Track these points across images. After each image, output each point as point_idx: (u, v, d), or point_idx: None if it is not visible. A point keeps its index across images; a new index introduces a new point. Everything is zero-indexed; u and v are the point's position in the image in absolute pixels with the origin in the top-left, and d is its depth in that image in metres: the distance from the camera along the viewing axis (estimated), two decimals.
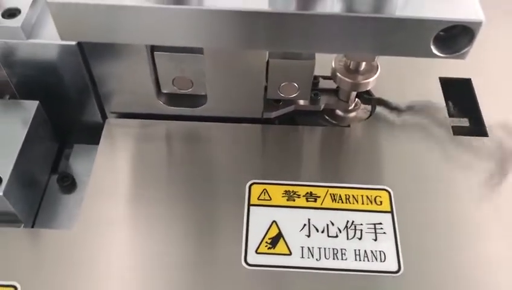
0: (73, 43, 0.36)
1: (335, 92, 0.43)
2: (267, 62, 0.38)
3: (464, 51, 0.31)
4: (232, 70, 0.38)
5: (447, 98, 0.45)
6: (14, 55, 0.37)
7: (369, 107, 0.44)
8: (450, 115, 0.44)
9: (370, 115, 0.43)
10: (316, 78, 0.43)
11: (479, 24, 0.29)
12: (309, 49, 0.35)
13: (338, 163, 0.40)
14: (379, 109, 0.43)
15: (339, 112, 0.43)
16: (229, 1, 0.30)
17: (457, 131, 0.42)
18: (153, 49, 0.37)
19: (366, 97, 0.44)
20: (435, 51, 0.31)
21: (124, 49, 0.37)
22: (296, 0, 0.31)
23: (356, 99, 0.43)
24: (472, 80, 0.46)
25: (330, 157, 0.40)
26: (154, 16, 0.31)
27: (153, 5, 0.30)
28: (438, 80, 0.45)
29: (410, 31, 0.30)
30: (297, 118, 0.43)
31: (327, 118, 0.43)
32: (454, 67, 0.46)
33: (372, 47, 0.31)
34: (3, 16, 0.35)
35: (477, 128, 0.43)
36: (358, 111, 0.43)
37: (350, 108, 0.43)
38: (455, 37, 0.31)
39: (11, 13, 0.36)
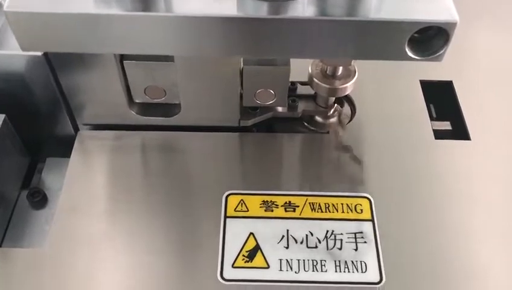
0: (40, 53, 0.35)
1: (313, 97, 0.42)
2: (241, 69, 0.37)
3: (440, 53, 0.30)
4: (205, 78, 0.37)
5: (428, 101, 0.44)
6: None
7: (348, 112, 0.43)
8: (432, 119, 0.43)
9: (350, 121, 0.42)
10: (293, 84, 0.42)
11: (453, 25, 0.28)
12: (282, 55, 0.34)
13: (317, 171, 0.39)
14: (359, 114, 0.42)
15: (317, 118, 0.42)
16: (199, 7, 0.29)
17: (439, 135, 0.41)
18: (122, 58, 0.36)
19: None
20: (410, 53, 0.30)
21: (92, 58, 0.36)
22: (267, 5, 0.30)
23: (335, 104, 0.42)
24: (453, 82, 0.45)
25: (309, 165, 0.39)
26: (121, 23, 0.29)
27: (119, 13, 0.29)
28: (419, 83, 0.45)
29: (384, 33, 0.29)
30: (276, 125, 0.42)
31: (306, 124, 0.42)
32: (435, 70, 0.45)
33: (347, 51, 0.30)
34: None
35: (460, 131, 0.42)
36: (338, 117, 0.42)
37: (329, 114, 0.42)
38: (430, 39, 0.30)
39: None
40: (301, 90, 0.42)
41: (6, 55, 0.35)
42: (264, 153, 0.40)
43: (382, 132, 0.41)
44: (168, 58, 0.36)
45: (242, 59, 0.36)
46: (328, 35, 0.30)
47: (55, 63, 0.36)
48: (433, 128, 0.42)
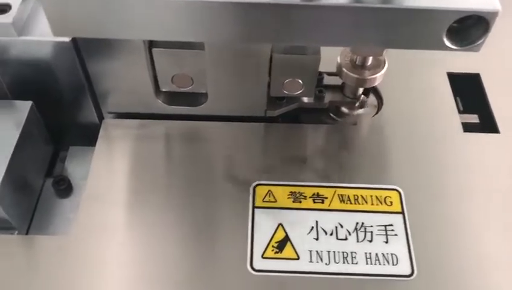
0: (68, 39, 0.35)
1: (340, 88, 0.41)
2: (271, 58, 0.36)
3: (479, 42, 0.29)
4: (234, 67, 0.36)
5: (455, 93, 0.43)
6: (5, 53, 0.35)
7: (375, 103, 0.42)
8: (459, 112, 0.42)
9: (377, 112, 0.42)
10: (320, 74, 0.41)
11: (494, 14, 0.28)
12: (315, 43, 0.33)
13: (345, 162, 0.38)
14: (385, 106, 0.42)
15: (344, 109, 0.42)
16: None
17: (468, 128, 0.41)
18: (151, 45, 0.36)
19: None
20: (447, 43, 0.29)
21: (121, 45, 0.35)
22: None
23: (362, 95, 0.42)
24: (481, 74, 0.44)
25: (337, 156, 0.39)
26: (152, 8, 0.29)
27: None
28: (446, 75, 0.44)
29: (422, 22, 0.28)
30: (301, 116, 0.42)
31: (332, 115, 0.42)
32: (462, 62, 0.45)
33: (381, 39, 0.29)
34: None
35: (487, 124, 0.42)
36: (365, 108, 0.42)
37: (356, 105, 0.41)
38: (469, 28, 0.29)
39: (2, 9, 0.34)
40: (328, 80, 0.41)
41: (34, 42, 0.35)
42: (290, 143, 0.39)
43: (410, 124, 0.41)
44: (197, 46, 0.35)
45: (271, 47, 0.36)
46: (363, 23, 0.29)
47: (83, 50, 0.35)
48: (461, 121, 0.41)
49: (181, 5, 0.29)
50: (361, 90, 0.41)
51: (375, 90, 0.42)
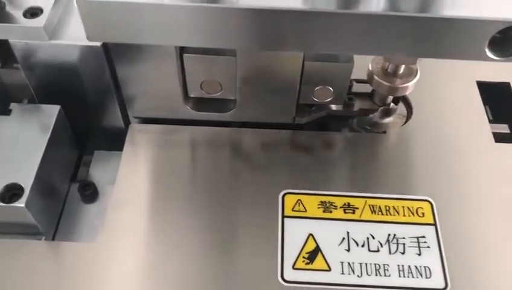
0: (98, 44, 0.34)
1: (370, 96, 0.41)
2: (302, 65, 0.36)
3: None
4: (265, 74, 0.36)
5: (484, 102, 0.43)
6: (34, 56, 0.35)
7: (404, 112, 0.42)
8: (489, 121, 0.42)
9: (406, 121, 0.41)
10: (350, 81, 0.41)
11: None
12: (349, 51, 0.33)
13: (375, 172, 0.38)
14: (415, 114, 0.41)
15: (373, 117, 0.41)
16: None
17: (498, 138, 0.40)
18: (182, 50, 0.35)
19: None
20: (489, 54, 0.29)
21: (152, 50, 0.35)
22: None
23: (392, 104, 0.41)
24: (511, 83, 0.44)
25: (366, 165, 0.38)
26: (186, 15, 0.29)
27: (185, 4, 0.28)
28: (475, 84, 0.43)
29: (463, 32, 0.28)
30: (329, 124, 0.41)
31: (360, 123, 0.41)
32: (492, 71, 0.44)
33: (419, 49, 0.29)
34: (24, 16, 0.33)
35: None
36: (394, 116, 0.41)
37: (385, 113, 0.41)
38: (508, 39, 0.29)
39: (33, 12, 0.34)
40: (357, 88, 0.41)
41: (65, 46, 0.34)
42: (318, 152, 0.39)
43: (439, 133, 0.40)
44: (228, 52, 0.35)
45: (304, 54, 0.35)
46: (401, 32, 0.29)
47: (114, 54, 0.35)
48: (492, 130, 0.40)
49: (215, 12, 0.29)
50: (391, 98, 0.40)
51: (404, 99, 0.42)
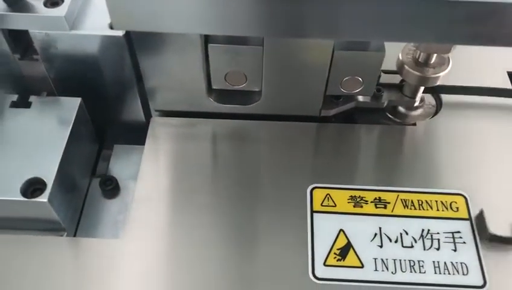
0: (121, 34, 0.33)
1: (399, 87, 0.39)
2: (332, 54, 0.34)
3: None
4: (292, 64, 0.35)
5: None
6: (55, 47, 0.34)
7: (434, 103, 0.40)
8: None
9: (436, 113, 0.40)
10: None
11: None
12: (387, 38, 0.31)
13: (404, 165, 0.36)
14: (445, 105, 0.40)
15: (401, 109, 0.40)
16: None
17: None
18: (207, 40, 0.34)
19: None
20: None
21: (176, 40, 0.34)
22: None
23: (422, 95, 0.39)
24: None
25: (396, 158, 0.37)
26: (211, 1, 0.28)
27: None
28: (506, 74, 0.42)
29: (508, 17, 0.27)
30: (356, 116, 0.40)
31: (389, 115, 0.40)
32: None
33: (465, 35, 0.27)
34: (45, 5, 0.32)
35: None
36: (423, 108, 0.40)
37: (415, 105, 0.40)
38: None
39: (54, 2, 0.33)
40: (385, 78, 0.39)
41: (86, 36, 0.33)
42: (345, 145, 0.38)
43: (470, 125, 0.38)
44: (254, 42, 0.34)
45: (334, 43, 0.34)
46: (447, 17, 0.27)
47: (136, 44, 0.34)
48: None
49: None
50: (421, 89, 0.39)
51: (434, 89, 0.40)
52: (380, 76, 0.39)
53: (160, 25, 0.28)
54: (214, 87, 0.37)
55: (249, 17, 0.28)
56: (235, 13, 0.28)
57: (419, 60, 0.36)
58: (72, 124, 0.34)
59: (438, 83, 0.37)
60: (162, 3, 0.27)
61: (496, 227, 0.33)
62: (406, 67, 0.36)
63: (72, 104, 0.35)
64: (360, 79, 0.36)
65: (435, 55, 0.36)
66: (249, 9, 0.27)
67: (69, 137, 0.33)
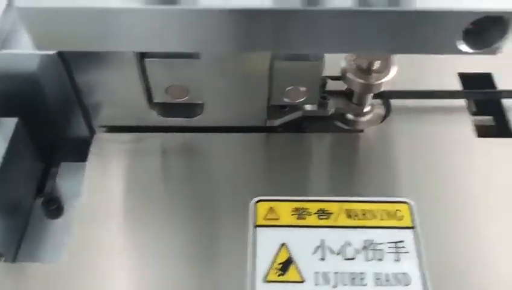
0: (54, 52, 0.33)
1: (345, 94, 0.39)
2: (271, 64, 0.34)
3: (497, 45, 0.27)
4: (232, 75, 0.34)
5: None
6: None
7: (383, 108, 0.40)
8: (472, 114, 0.40)
9: (385, 118, 0.39)
10: (323, 79, 0.39)
11: None
12: (317, 50, 0.31)
13: (351, 174, 0.36)
14: (394, 110, 0.39)
15: (350, 116, 0.39)
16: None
17: (482, 132, 0.38)
18: (143, 55, 0.33)
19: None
20: (463, 47, 0.27)
21: (111, 56, 0.33)
22: None
23: (369, 100, 0.39)
24: (493, 74, 0.42)
25: (343, 167, 0.36)
26: (143, 18, 0.27)
27: (140, 7, 0.26)
28: (457, 76, 0.41)
29: (433, 26, 0.26)
30: (304, 125, 0.39)
31: (337, 123, 0.39)
32: (473, 62, 0.42)
33: (390, 45, 0.27)
34: None
35: (503, 128, 0.39)
36: (372, 114, 0.39)
37: (363, 111, 0.39)
38: (486, 30, 0.27)
39: None
40: (332, 86, 0.39)
41: (18, 55, 0.33)
42: (292, 155, 0.37)
43: (419, 129, 0.38)
44: (192, 55, 0.33)
45: (271, 54, 0.33)
46: (370, 28, 0.27)
47: (71, 62, 0.33)
48: (475, 123, 0.39)
49: (171, 14, 0.27)
50: (369, 96, 0.38)
51: (382, 94, 0.40)
52: (325, 83, 0.39)
53: (85, 44, 0.28)
54: (156, 101, 0.36)
55: (178, 34, 0.28)
56: (164, 30, 0.27)
57: (362, 66, 0.36)
58: (7, 144, 0.33)
59: (382, 89, 0.36)
60: (82, 23, 0.27)
61: (444, 232, 0.33)
62: (349, 74, 0.36)
63: (8, 124, 0.34)
64: (302, 89, 0.35)
65: (378, 61, 0.35)
66: (177, 25, 0.27)
67: (4, 158, 0.33)
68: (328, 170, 0.36)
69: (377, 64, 0.35)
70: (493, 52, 0.27)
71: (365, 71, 0.35)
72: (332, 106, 0.38)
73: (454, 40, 0.26)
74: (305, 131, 0.39)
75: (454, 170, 0.36)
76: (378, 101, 0.40)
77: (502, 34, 0.26)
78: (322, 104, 0.38)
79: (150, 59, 0.33)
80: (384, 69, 0.36)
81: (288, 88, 0.35)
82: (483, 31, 0.27)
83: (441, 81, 0.41)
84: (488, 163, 0.36)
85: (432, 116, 0.39)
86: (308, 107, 0.38)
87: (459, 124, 0.38)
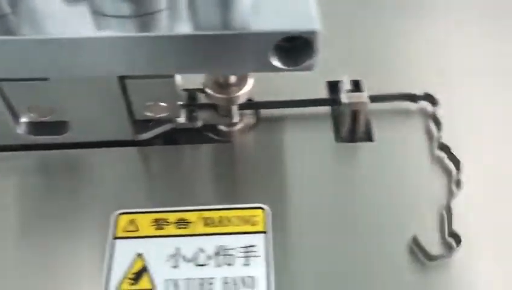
0: None
1: (214, 106, 0.40)
2: (124, 82, 0.35)
3: (309, 62, 0.29)
4: (88, 93, 0.35)
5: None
6: None
7: (253, 117, 0.41)
8: (334, 119, 0.41)
9: (254, 126, 0.41)
10: (192, 92, 0.40)
11: (314, 33, 0.27)
12: (153, 70, 0.32)
13: (214, 183, 0.38)
14: (263, 120, 0.41)
15: (222, 127, 0.41)
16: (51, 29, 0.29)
17: (343, 137, 0.40)
18: None
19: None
20: (277, 64, 0.29)
21: None
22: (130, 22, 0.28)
23: (237, 111, 0.41)
24: (362, 81, 0.44)
25: (207, 177, 0.38)
26: None
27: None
28: (326, 84, 0.43)
29: (245, 46, 0.28)
30: (178, 137, 0.41)
31: (209, 134, 0.41)
32: (344, 70, 0.44)
33: (210, 65, 0.29)
34: None
35: (365, 132, 0.41)
36: (241, 124, 0.41)
37: (233, 121, 0.41)
38: (298, 48, 0.29)
39: None
40: (202, 98, 0.41)
41: None
42: (162, 167, 0.39)
43: (283, 137, 0.40)
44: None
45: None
46: (183, 51, 0.29)
47: None
48: (337, 131, 0.41)
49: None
50: (234, 107, 0.40)
51: (250, 104, 0.42)
52: (196, 96, 0.41)
53: None
54: (22, 120, 0.37)
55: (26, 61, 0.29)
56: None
57: (221, 81, 0.37)
58: None
59: (242, 100, 0.38)
60: None
61: (294, 236, 0.35)
62: (208, 90, 0.37)
63: None
64: (163, 104, 0.37)
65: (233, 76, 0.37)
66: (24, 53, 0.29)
67: None
68: (192, 181, 0.38)
69: (233, 79, 0.37)
70: (308, 69, 0.29)
71: (223, 85, 0.37)
72: (201, 118, 0.40)
73: (267, 58, 0.28)
74: (178, 143, 0.40)
75: (309, 175, 0.38)
76: (250, 111, 0.42)
77: (311, 52, 0.28)
78: (190, 117, 0.40)
79: (4, 82, 0.34)
80: (242, 81, 0.38)
81: (149, 103, 0.37)
82: (297, 49, 0.29)
83: (312, 90, 0.43)
84: (345, 166, 0.39)
85: (299, 122, 0.41)
86: (178, 119, 0.40)
87: (321, 131, 0.40)
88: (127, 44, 0.28)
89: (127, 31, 0.28)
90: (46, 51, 0.29)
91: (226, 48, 0.28)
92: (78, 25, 0.29)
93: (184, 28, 0.28)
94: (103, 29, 0.28)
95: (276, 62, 0.29)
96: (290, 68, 0.29)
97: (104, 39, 0.28)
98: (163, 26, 0.29)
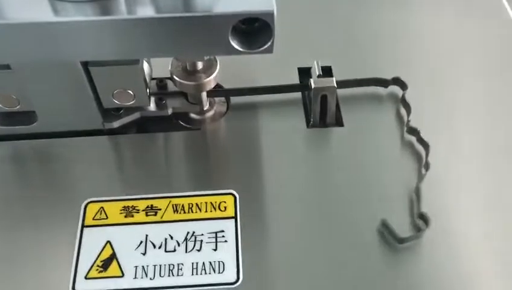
0: None
1: (183, 94, 0.40)
2: (87, 70, 0.35)
3: (267, 45, 0.29)
4: (52, 82, 0.35)
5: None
6: None
7: (223, 105, 0.41)
8: (304, 105, 0.42)
9: (224, 114, 0.41)
10: (161, 80, 0.40)
11: (270, 15, 0.27)
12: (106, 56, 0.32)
13: (184, 170, 0.38)
14: (234, 107, 0.41)
15: (193, 115, 0.41)
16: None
17: (313, 123, 0.40)
18: None
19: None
20: (237, 46, 0.29)
21: None
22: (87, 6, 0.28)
23: (208, 98, 0.41)
24: (333, 67, 0.44)
25: (177, 165, 0.38)
26: None
27: None
28: (297, 70, 0.43)
29: (202, 29, 0.28)
30: (149, 125, 0.40)
31: (179, 122, 0.41)
32: (314, 56, 0.44)
33: (169, 49, 0.29)
34: None
35: (336, 118, 0.41)
36: (212, 111, 0.41)
37: (204, 109, 0.41)
38: (257, 31, 0.29)
39: None
40: (171, 86, 0.40)
41: None
42: (132, 155, 0.39)
43: (254, 124, 0.40)
44: (3, 66, 0.34)
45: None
46: (144, 34, 0.29)
47: None
48: (308, 117, 0.41)
49: None
50: (204, 94, 0.40)
51: (222, 92, 0.42)
52: (166, 84, 0.40)
53: None
54: None
55: None
56: None
57: (188, 68, 0.37)
58: None
59: (213, 85, 0.38)
60: None
61: (262, 221, 0.35)
62: (176, 78, 0.37)
63: None
64: (130, 92, 0.37)
65: (200, 62, 0.37)
66: None
67: None
68: (162, 169, 0.38)
69: (201, 65, 0.37)
70: (268, 51, 0.29)
71: (190, 72, 0.37)
72: (170, 106, 0.40)
73: (227, 41, 0.28)
74: (149, 131, 0.40)
75: (280, 161, 0.38)
76: (221, 99, 0.42)
77: (269, 34, 0.28)
78: (159, 105, 0.40)
79: None
80: (209, 68, 0.37)
81: (116, 91, 0.37)
82: (255, 32, 0.29)
83: (282, 77, 0.43)
84: (316, 151, 0.39)
85: (269, 109, 0.41)
86: (148, 107, 0.40)
87: (292, 117, 0.40)
88: (88, 28, 0.28)
89: (87, 15, 0.28)
90: (7, 37, 0.29)
91: (186, 30, 0.28)
92: (38, 10, 0.29)
93: (145, 11, 0.28)
94: (63, 13, 0.28)
95: (236, 44, 0.29)
96: (250, 50, 0.29)
97: (63, 23, 0.28)
98: (124, 10, 0.28)
